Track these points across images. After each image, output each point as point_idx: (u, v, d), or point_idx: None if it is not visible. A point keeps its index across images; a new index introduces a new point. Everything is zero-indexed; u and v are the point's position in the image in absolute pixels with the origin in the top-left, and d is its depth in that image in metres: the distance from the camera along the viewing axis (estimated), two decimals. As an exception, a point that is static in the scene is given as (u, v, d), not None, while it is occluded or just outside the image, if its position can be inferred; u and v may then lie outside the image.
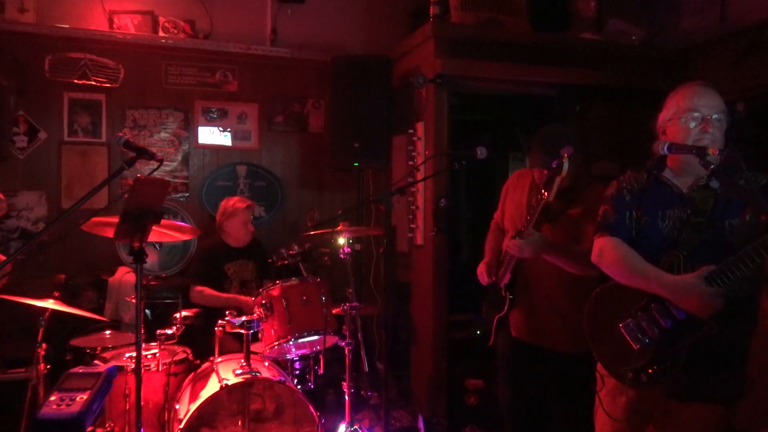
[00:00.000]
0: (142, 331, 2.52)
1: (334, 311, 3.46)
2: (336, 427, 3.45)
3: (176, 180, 4.65)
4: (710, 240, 2.08)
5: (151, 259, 4.35)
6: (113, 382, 1.43)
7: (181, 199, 4.68)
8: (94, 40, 4.41)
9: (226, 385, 2.89)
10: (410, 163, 4.21)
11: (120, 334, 3.75)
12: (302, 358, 3.50)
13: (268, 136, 4.88)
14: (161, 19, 4.57)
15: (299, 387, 3.26)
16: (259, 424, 3.18)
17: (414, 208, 4.22)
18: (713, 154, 2.03)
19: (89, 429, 1.28)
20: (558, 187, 2.55)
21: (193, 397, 2.99)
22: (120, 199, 4.17)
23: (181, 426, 2.80)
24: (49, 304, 3.04)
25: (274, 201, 4.89)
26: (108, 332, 3.70)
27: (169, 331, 3.23)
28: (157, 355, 3.17)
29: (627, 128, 4.04)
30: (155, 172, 2.45)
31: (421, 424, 3.56)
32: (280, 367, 3.37)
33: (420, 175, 4.00)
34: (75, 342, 3.49)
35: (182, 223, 3.29)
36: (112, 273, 4.26)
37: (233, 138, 4.81)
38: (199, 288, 3.86)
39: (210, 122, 4.75)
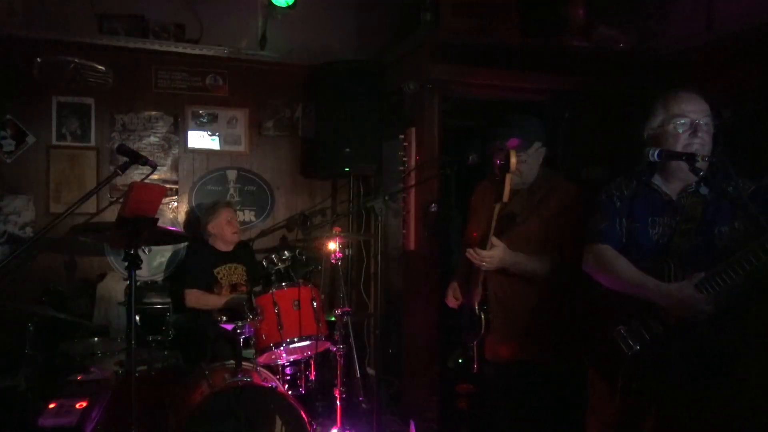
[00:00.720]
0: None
1: (325, 317, 3.46)
2: (327, 433, 3.45)
3: (166, 185, 4.62)
4: (700, 247, 2.10)
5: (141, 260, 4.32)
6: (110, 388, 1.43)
7: (171, 205, 4.65)
8: (84, 44, 4.37)
9: (218, 390, 2.88)
10: (401, 168, 4.22)
11: (109, 340, 3.71)
12: (293, 363, 3.50)
13: (258, 141, 4.87)
14: (151, 24, 4.54)
15: (290, 392, 3.25)
16: (250, 430, 3.17)
17: (405, 213, 4.23)
18: (703, 161, 2.06)
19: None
20: (512, 185, 2.44)
21: (184, 402, 2.97)
22: (110, 204, 4.15)
23: (174, 429, 2.78)
24: (37, 309, 3.01)
25: (264, 206, 4.87)
26: (96, 338, 3.66)
27: (160, 337, 3.22)
28: (148, 360, 3.15)
29: (617, 134, 4.08)
30: (146, 178, 2.44)
31: (412, 429, 3.55)
32: (272, 372, 3.36)
33: (411, 181, 4.01)
34: (63, 348, 3.45)
35: (172, 228, 3.28)
36: (101, 278, 4.23)
37: (223, 142, 4.80)
38: (191, 291, 3.84)
39: (200, 127, 4.73)
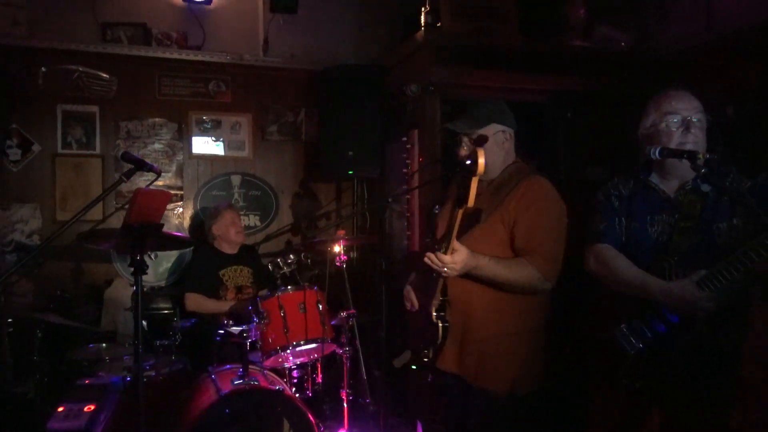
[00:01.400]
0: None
1: (331, 319, 3.48)
2: (335, 435, 3.46)
3: (171, 191, 4.66)
4: (699, 244, 2.11)
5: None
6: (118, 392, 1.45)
7: (176, 211, 4.69)
8: (87, 53, 4.41)
9: (225, 394, 2.90)
10: (404, 171, 4.24)
11: (117, 346, 3.75)
12: (300, 366, 3.52)
13: (261, 146, 4.90)
14: (154, 31, 4.59)
15: (297, 395, 3.27)
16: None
17: (409, 215, 4.25)
18: (704, 158, 2.07)
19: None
20: (478, 187, 2.13)
21: (192, 406, 3.00)
22: (116, 210, 4.19)
23: (181, 436, 2.81)
24: (45, 317, 3.04)
25: (269, 210, 4.90)
26: (104, 344, 3.69)
27: (167, 342, 3.24)
28: (155, 365, 3.18)
29: (618, 133, 4.08)
30: (151, 184, 2.47)
31: (419, 431, 3.57)
32: (278, 375, 3.38)
33: (414, 183, 4.03)
34: (71, 354, 3.48)
35: (178, 234, 3.31)
36: (108, 285, 4.26)
37: (227, 148, 4.83)
38: (192, 295, 3.87)
39: (204, 133, 4.76)
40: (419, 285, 2.57)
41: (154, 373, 3.13)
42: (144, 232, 2.23)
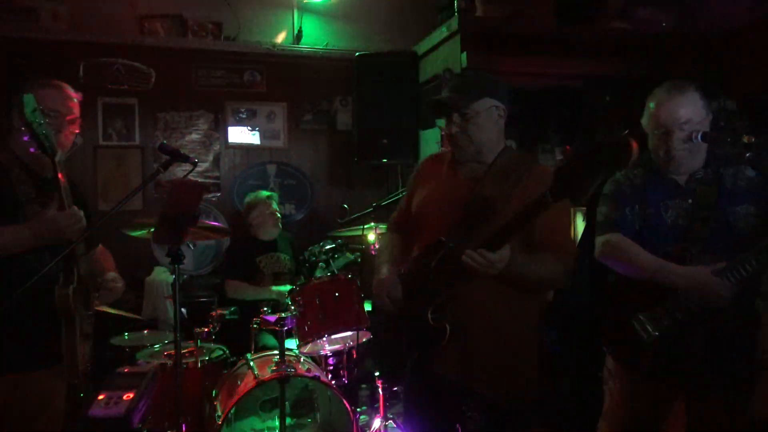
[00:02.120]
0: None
1: (366, 307, 3.49)
2: (370, 422, 3.49)
3: (208, 180, 4.73)
4: (719, 230, 2.10)
5: (185, 256, 4.44)
6: (156, 380, 1.50)
7: (213, 199, 4.76)
8: (126, 46, 4.50)
9: (262, 380, 2.95)
10: (438, 158, 4.21)
11: (158, 332, 3.83)
12: (336, 353, 3.55)
13: (296, 135, 4.93)
14: (189, 23, 4.64)
15: (333, 382, 3.30)
16: (294, 419, 3.24)
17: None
18: (748, 141, 2.03)
19: (137, 425, 1.34)
20: (472, 171, 2.10)
21: (230, 392, 3.05)
22: (155, 200, 4.28)
23: (219, 421, 2.87)
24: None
25: (304, 199, 4.94)
26: (146, 331, 3.78)
27: (206, 330, 3.30)
28: (195, 352, 3.24)
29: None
30: (187, 175, 2.51)
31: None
32: (315, 363, 3.42)
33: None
34: (114, 341, 3.58)
35: (215, 223, 3.36)
36: (149, 273, 4.36)
37: (262, 137, 4.88)
38: (232, 282, 3.92)
39: (239, 122, 4.82)
40: (406, 281, 2.19)
41: (193, 360, 3.19)
42: (180, 223, 2.27)
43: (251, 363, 3.17)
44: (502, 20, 3.99)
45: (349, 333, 3.37)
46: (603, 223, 2.31)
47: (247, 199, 4.23)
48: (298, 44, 4.85)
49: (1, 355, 2.01)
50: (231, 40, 4.72)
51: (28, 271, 1.94)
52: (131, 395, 1.33)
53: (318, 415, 3.26)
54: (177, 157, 2.23)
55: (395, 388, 3.62)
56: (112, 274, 2.39)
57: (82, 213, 2.09)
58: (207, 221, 3.26)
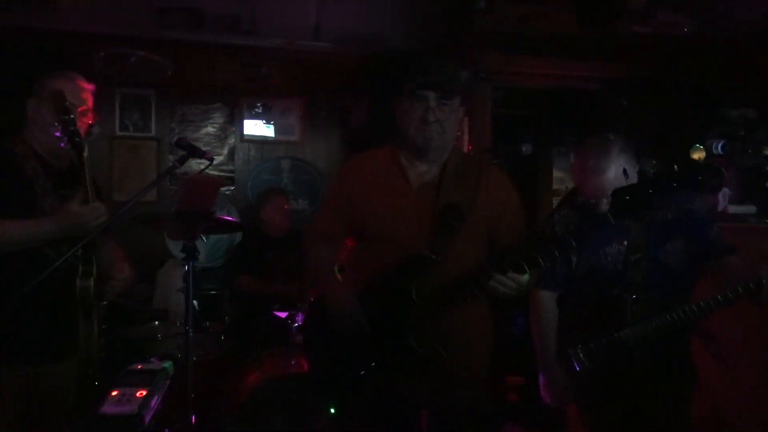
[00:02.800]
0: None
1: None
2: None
3: (222, 174, 4.75)
4: (652, 272, 2.11)
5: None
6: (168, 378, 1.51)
7: (227, 193, 4.77)
8: (144, 38, 4.51)
9: (270, 376, 2.96)
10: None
11: (168, 324, 3.86)
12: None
13: (311, 130, 4.94)
14: (207, 16, 4.64)
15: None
16: (303, 415, 3.25)
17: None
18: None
19: (148, 423, 1.35)
20: (435, 145, 1.94)
21: (240, 387, 3.07)
22: (170, 192, 4.29)
23: (227, 415, 2.89)
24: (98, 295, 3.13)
25: (318, 194, 4.94)
26: (156, 322, 3.80)
27: (216, 323, 3.33)
28: (205, 345, 3.26)
29: (675, 124, 3.95)
30: (203, 170, 2.52)
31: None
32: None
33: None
34: (125, 332, 3.61)
35: (228, 218, 3.37)
36: (161, 264, 4.38)
37: (277, 132, 4.88)
38: (242, 278, 3.94)
39: (255, 117, 4.82)
40: (369, 300, 1.98)
41: (203, 353, 3.21)
42: (195, 219, 2.28)
43: (259, 359, 3.18)
44: (521, 20, 3.96)
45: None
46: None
47: (260, 195, 4.24)
48: (315, 40, 4.84)
49: (18, 347, 2.02)
50: (248, 34, 4.72)
51: (46, 263, 1.95)
52: (144, 393, 1.34)
53: (325, 413, 3.27)
54: (194, 152, 2.24)
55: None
56: (122, 265, 2.38)
57: (104, 207, 2.10)
58: (220, 216, 3.27)
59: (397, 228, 1.97)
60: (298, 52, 4.80)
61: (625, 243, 2.14)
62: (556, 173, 5.51)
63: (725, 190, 2.57)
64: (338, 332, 1.96)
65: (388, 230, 1.98)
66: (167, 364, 1.51)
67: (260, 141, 4.85)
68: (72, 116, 1.99)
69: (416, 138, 1.95)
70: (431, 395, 2.00)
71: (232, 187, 4.78)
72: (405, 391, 1.99)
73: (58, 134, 1.99)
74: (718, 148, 2.08)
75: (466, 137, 4.07)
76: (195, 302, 4.18)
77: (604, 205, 2.04)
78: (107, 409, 1.30)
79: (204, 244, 4.46)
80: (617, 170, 2.04)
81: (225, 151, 4.78)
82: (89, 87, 2.25)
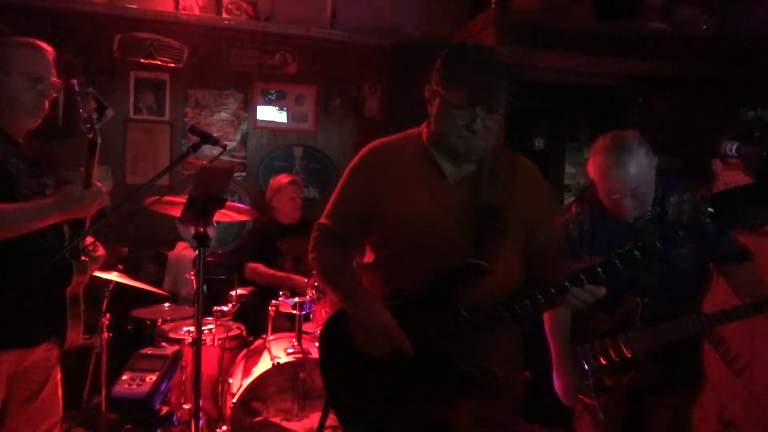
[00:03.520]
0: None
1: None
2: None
3: (234, 159, 4.76)
4: (666, 276, 2.09)
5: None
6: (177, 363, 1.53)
7: (239, 179, 4.79)
8: (161, 21, 4.52)
9: (278, 363, 2.98)
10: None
11: (178, 307, 3.90)
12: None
13: (324, 119, 4.93)
14: (225, 1, 4.64)
15: (348, 368, 3.32)
16: (307, 402, 3.27)
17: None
18: None
19: (157, 407, 1.37)
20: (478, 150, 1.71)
21: (246, 372, 3.10)
22: (182, 179, 4.31)
23: (234, 399, 2.91)
24: (113, 276, 3.18)
25: (328, 183, 4.95)
26: (167, 305, 3.84)
27: (225, 308, 3.35)
28: (213, 330, 3.29)
29: (693, 122, 3.91)
30: (217, 158, 2.53)
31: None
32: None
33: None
34: (136, 313, 3.65)
35: (240, 204, 3.38)
36: (172, 247, 4.42)
37: (290, 120, 4.88)
38: (252, 265, 3.96)
39: (268, 104, 4.83)
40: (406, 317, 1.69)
41: (211, 338, 3.24)
42: (208, 206, 2.29)
43: (268, 344, 3.21)
44: (540, 14, 3.94)
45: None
46: None
47: (271, 182, 4.25)
48: (331, 28, 4.83)
49: (6, 329, 1.94)
50: (265, 20, 4.71)
51: (36, 247, 1.92)
52: (154, 378, 1.36)
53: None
54: (207, 139, 2.24)
55: None
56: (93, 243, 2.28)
57: (104, 190, 2.10)
58: (232, 202, 3.29)
59: (435, 230, 1.71)
60: (313, 39, 4.79)
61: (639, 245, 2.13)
62: (568, 168, 5.49)
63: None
64: (371, 356, 1.67)
65: (425, 233, 1.71)
66: (176, 349, 1.53)
67: (273, 128, 4.86)
68: (97, 114, 1.98)
69: (457, 144, 1.69)
70: (476, 423, 1.76)
71: (244, 173, 4.80)
72: (446, 419, 1.74)
73: (88, 125, 1.98)
74: (732, 149, 2.05)
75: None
76: (204, 286, 4.24)
77: (627, 200, 2.07)
78: (118, 391, 1.32)
79: (215, 228, 4.50)
80: (638, 164, 2.03)
81: (237, 137, 4.79)
82: (53, 53, 2.09)
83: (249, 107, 4.79)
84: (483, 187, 1.72)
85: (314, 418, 3.06)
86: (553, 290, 1.59)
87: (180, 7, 4.57)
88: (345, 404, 1.80)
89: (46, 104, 2.07)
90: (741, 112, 3.13)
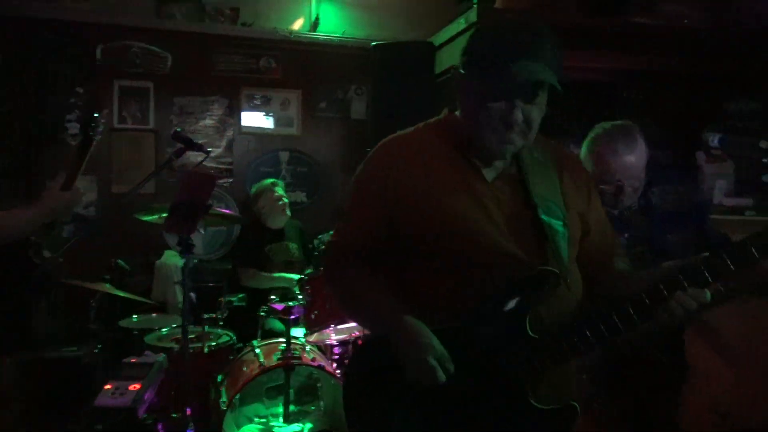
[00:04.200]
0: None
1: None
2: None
3: (221, 166, 4.73)
4: (656, 264, 2.07)
5: (195, 243, 4.46)
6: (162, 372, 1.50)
7: (225, 185, 4.76)
8: (144, 29, 4.50)
9: (267, 368, 2.96)
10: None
11: (166, 316, 3.85)
12: (342, 343, 3.55)
13: (310, 123, 4.92)
14: (207, 7, 4.63)
15: (338, 372, 3.30)
16: (298, 407, 3.25)
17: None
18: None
19: (142, 416, 1.34)
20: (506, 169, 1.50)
21: (236, 378, 3.07)
22: (168, 185, 4.28)
23: (224, 406, 2.88)
24: (101, 287, 3.14)
25: (316, 187, 4.93)
26: (154, 314, 3.80)
27: (214, 315, 3.32)
28: (202, 337, 3.25)
29: (687, 115, 3.91)
30: (200, 163, 2.51)
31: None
32: (320, 352, 3.42)
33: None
34: (124, 323, 3.60)
35: (227, 210, 3.36)
36: (159, 256, 4.38)
37: (276, 124, 4.87)
38: (246, 269, 3.92)
39: (254, 109, 4.80)
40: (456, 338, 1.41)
41: (200, 345, 3.20)
42: (192, 213, 2.27)
43: (257, 350, 3.18)
44: (525, 11, 3.93)
45: (355, 323, 3.37)
46: None
47: (253, 188, 4.22)
48: (314, 32, 4.82)
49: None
50: (248, 25, 4.70)
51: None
52: (138, 386, 1.33)
53: (322, 404, 3.27)
54: (190, 145, 2.24)
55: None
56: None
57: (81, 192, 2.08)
58: (218, 208, 3.26)
59: (485, 236, 1.42)
60: (297, 43, 4.78)
61: (626, 235, 2.12)
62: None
63: (721, 182, 2.57)
64: (415, 388, 1.39)
65: (472, 240, 1.42)
66: (161, 357, 1.50)
67: (259, 133, 4.84)
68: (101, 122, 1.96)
69: (491, 140, 1.42)
70: None
71: (231, 179, 4.77)
72: None
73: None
74: (715, 141, 2.07)
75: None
76: (193, 294, 4.20)
77: (628, 187, 2.07)
78: (102, 401, 1.29)
79: (202, 235, 4.46)
80: (641, 153, 2.05)
81: (224, 143, 4.77)
82: None
83: (234, 113, 4.77)
84: (530, 182, 1.47)
85: (303, 424, 3.05)
86: (647, 300, 1.29)
87: (162, 14, 4.55)
88: None
89: None
90: (724, 104, 3.14)
